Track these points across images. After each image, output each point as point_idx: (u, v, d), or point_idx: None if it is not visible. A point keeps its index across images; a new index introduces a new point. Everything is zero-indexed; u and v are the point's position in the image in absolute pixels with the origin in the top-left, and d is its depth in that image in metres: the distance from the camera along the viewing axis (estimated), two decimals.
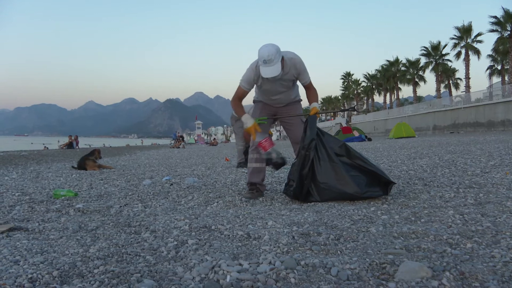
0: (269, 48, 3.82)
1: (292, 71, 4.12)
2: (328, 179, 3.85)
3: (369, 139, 25.83)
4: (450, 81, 55.78)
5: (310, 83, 4.29)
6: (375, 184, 3.87)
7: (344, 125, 47.73)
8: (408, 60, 61.10)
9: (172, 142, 42.97)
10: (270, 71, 3.84)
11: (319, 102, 4.47)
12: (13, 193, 5.12)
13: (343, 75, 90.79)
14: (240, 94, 4.30)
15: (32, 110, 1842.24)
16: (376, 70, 72.25)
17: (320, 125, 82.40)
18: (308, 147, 3.92)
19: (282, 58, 3.94)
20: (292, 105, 4.51)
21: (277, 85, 4.21)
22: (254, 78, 4.16)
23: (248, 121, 4.18)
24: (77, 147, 28.10)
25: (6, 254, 2.37)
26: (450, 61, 54.47)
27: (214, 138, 54.79)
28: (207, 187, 5.27)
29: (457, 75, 56.36)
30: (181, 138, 36.45)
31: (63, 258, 2.24)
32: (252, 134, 4.19)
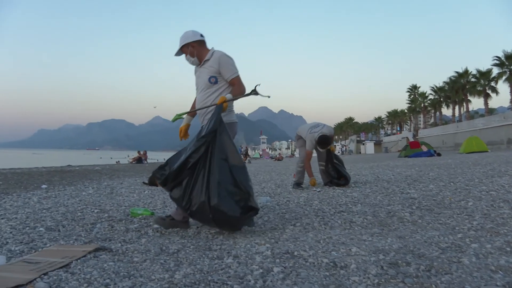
0: (183, 33, 4.22)
1: (212, 62, 4.10)
2: (203, 183, 3.54)
3: (439, 154, 24.88)
4: None
5: (236, 79, 4.11)
6: (237, 205, 3.51)
7: (411, 139, 46.38)
8: (478, 71, 58.74)
9: None
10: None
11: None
12: (92, 210, 5.29)
13: (409, 88, 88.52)
14: None
15: (103, 125, 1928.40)
16: (444, 82, 69.99)
17: (385, 139, 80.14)
18: (207, 138, 3.66)
19: (192, 45, 4.13)
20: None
21: (199, 75, 4.24)
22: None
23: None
24: (145, 162, 28.94)
25: (96, 276, 2.41)
26: None
27: (279, 153, 54.55)
28: (280, 207, 5.22)
29: None
30: (245, 153, 36.61)
31: (150, 284, 2.25)
32: (179, 134, 4.29)
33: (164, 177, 3.78)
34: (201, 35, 4.22)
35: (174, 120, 4.32)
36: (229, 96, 3.94)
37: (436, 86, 73.83)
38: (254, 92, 4.06)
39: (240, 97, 4.06)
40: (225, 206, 3.45)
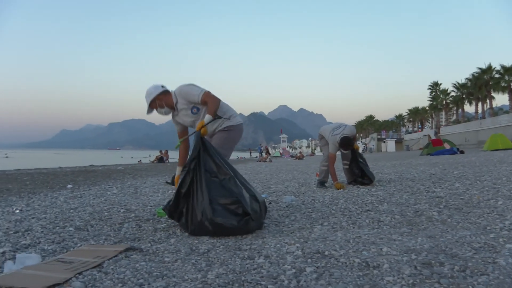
0: (146, 92, 4.39)
1: (180, 100, 4.34)
2: (197, 204, 3.68)
3: (462, 152, 24.50)
4: None
5: (205, 96, 4.21)
6: (232, 214, 3.62)
7: (432, 137, 45.83)
8: (503, 67, 57.75)
9: (258, 156, 43.44)
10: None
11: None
12: (118, 210, 5.35)
13: (430, 85, 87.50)
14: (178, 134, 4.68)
15: (123, 125, 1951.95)
16: (466, 78, 69.02)
17: (407, 137, 79.22)
18: (189, 166, 3.83)
19: (158, 98, 4.33)
20: (218, 134, 4.49)
21: (181, 116, 4.45)
22: (171, 117, 4.59)
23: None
24: (167, 161, 29.18)
25: (130, 276, 2.44)
26: None
27: (300, 152, 54.17)
28: (306, 206, 5.20)
29: None
30: (266, 151, 36.55)
31: (184, 284, 2.27)
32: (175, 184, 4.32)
33: (169, 211, 3.98)
34: (162, 86, 4.39)
35: (177, 147, 4.57)
36: (207, 118, 4.04)
37: (458, 83, 72.86)
38: (218, 117, 4.28)
39: (213, 120, 4.18)
40: (221, 218, 3.57)
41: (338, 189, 7.04)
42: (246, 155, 64.60)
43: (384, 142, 79.42)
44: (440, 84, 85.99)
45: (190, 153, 3.95)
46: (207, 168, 3.84)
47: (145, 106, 4.38)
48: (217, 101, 4.19)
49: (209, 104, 4.16)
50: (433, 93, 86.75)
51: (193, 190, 3.77)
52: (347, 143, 7.15)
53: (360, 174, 7.55)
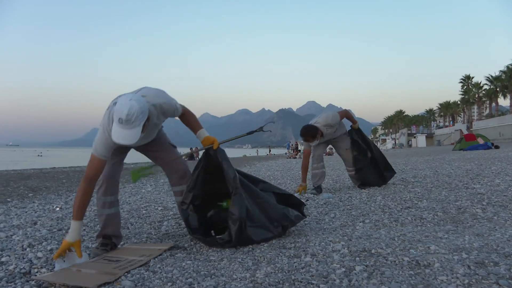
0: (133, 104, 2.71)
1: (161, 116, 3.16)
2: (258, 215, 3.28)
3: (496, 147, 23.94)
4: None
5: (183, 109, 3.33)
6: (289, 205, 3.55)
7: (465, 131, 44.93)
8: None
9: (287, 152, 43.46)
10: (126, 137, 2.71)
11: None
12: (155, 207, 5.39)
13: (462, 79, 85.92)
14: (95, 168, 2.94)
15: None
16: (501, 71, 67.50)
17: (438, 132, 77.61)
18: (236, 184, 3.24)
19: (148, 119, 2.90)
20: (164, 148, 3.63)
21: (145, 134, 3.08)
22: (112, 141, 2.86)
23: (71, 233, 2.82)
24: (197, 158, 29.39)
25: (178, 275, 2.45)
26: None
27: (330, 148, 53.51)
28: (344, 203, 5.15)
29: None
30: (295, 148, 36.52)
31: (233, 283, 2.26)
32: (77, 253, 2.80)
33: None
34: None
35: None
36: (204, 132, 3.44)
37: (491, 76, 71.35)
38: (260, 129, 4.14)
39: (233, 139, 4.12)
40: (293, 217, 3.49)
41: (299, 191, 6.38)
42: (274, 151, 64.41)
43: (415, 137, 78.36)
44: (473, 77, 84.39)
45: (229, 172, 3.34)
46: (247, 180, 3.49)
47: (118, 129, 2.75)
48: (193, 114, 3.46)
49: (194, 117, 3.44)
50: (465, 87, 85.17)
51: (252, 203, 3.35)
52: (303, 133, 6.12)
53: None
